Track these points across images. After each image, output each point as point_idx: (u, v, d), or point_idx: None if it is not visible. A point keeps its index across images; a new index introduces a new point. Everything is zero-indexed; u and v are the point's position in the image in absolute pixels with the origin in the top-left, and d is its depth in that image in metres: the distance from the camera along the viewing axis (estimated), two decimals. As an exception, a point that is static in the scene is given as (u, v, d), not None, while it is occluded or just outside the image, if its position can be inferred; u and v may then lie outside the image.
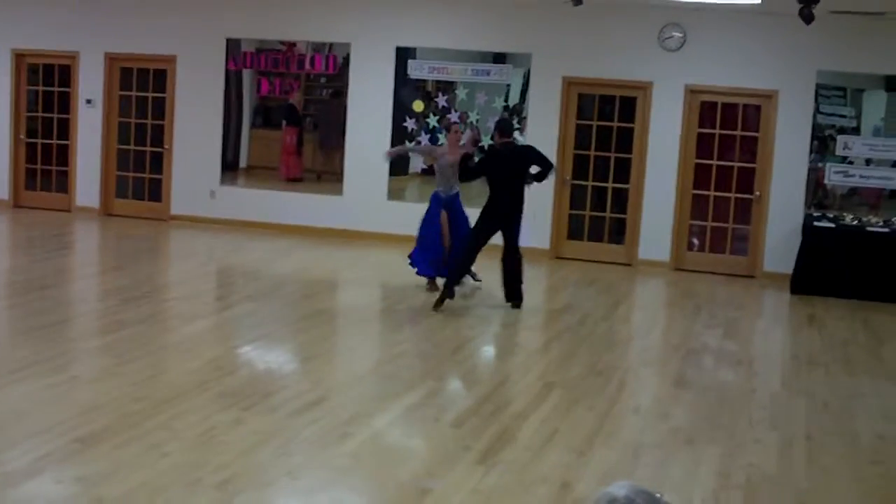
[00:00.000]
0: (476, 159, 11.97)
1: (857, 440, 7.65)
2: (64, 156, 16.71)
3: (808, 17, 11.00)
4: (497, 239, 11.34)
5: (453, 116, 14.93)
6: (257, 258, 13.91)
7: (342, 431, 7.03)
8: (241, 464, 6.31)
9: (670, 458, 6.99)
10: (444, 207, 11.89)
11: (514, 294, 11.46)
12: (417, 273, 11.95)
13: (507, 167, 11.27)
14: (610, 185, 14.68)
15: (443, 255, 11.85)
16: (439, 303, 11.06)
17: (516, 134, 14.61)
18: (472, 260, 11.50)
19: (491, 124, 14.59)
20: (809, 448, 7.36)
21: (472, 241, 11.38)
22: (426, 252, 11.94)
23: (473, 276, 12.22)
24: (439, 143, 14.74)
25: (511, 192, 11.29)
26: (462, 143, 12.37)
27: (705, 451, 7.13)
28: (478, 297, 11.89)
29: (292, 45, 15.61)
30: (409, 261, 12.02)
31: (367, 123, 15.29)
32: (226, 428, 6.95)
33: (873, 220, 13.46)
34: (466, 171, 11.55)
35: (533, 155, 11.57)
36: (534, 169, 11.46)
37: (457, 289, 11.42)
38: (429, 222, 11.96)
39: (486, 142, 14.41)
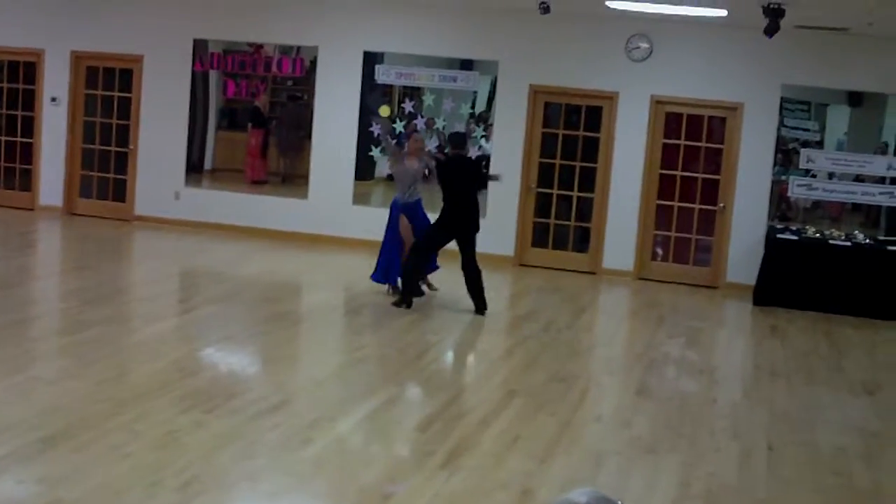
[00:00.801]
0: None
1: (818, 451, 7.71)
2: (28, 154, 16.58)
3: (771, 30, 11.09)
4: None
5: (420, 122, 14.93)
6: (221, 260, 13.85)
7: (304, 435, 7.02)
8: (202, 466, 6.29)
9: (631, 466, 7.02)
10: (403, 213, 11.93)
11: (479, 305, 11.56)
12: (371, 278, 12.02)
13: (459, 177, 11.55)
14: (575, 193, 14.72)
15: (399, 262, 11.85)
16: (408, 302, 11.20)
17: (482, 141, 14.73)
18: (423, 262, 11.56)
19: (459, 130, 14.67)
20: (770, 458, 7.41)
21: (424, 245, 11.49)
22: (380, 258, 11.98)
23: (430, 286, 12.18)
24: (404, 150, 14.71)
25: (465, 202, 11.55)
26: (434, 148, 12.43)
27: (666, 460, 7.16)
28: (442, 303, 11.86)
29: (259, 47, 15.56)
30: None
31: (334, 127, 15.26)
32: (187, 430, 6.93)
33: (835, 233, 13.56)
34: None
35: (475, 168, 12.23)
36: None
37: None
38: (388, 228, 11.99)
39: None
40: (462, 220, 11.48)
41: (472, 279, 11.52)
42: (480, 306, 11.54)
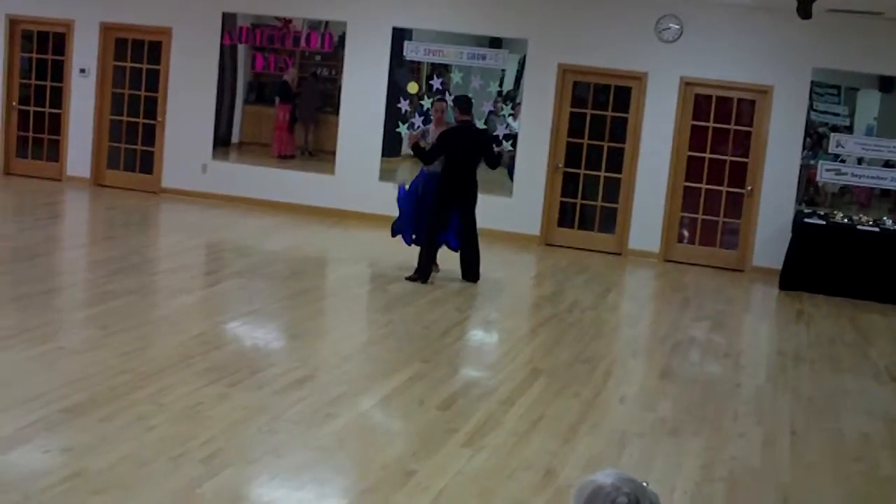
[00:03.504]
0: (428, 141, 11.97)
1: (841, 437, 7.68)
2: (56, 125, 16.65)
3: (805, 14, 11.00)
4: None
5: (448, 100, 14.87)
6: (247, 234, 13.88)
7: (328, 411, 7.03)
8: (226, 439, 6.31)
9: (654, 448, 7.01)
10: (423, 184, 11.88)
11: (472, 273, 11.71)
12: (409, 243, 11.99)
13: (465, 146, 11.54)
14: (602, 174, 14.68)
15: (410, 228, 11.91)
16: (423, 277, 11.44)
17: (510, 120, 14.71)
18: (436, 238, 11.54)
19: (486, 109, 14.64)
20: (793, 443, 7.39)
21: (433, 223, 11.48)
22: (401, 222, 12.00)
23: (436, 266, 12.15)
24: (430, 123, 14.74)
25: (467, 171, 11.59)
26: (448, 117, 12.30)
27: (689, 443, 7.15)
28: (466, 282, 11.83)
29: (288, 21, 15.55)
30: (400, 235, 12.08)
31: (361, 103, 15.27)
32: (212, 403, 6.95)
33: (863, 218, 13.49)
34: (426, 153, 11.67)
35: (487, 144, 11.99)
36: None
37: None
38: (412, 197, 11.95)
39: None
40: (460, 190, 11.52)
41: (468, 248, 11.69)
42: (471, 276, 11.69)
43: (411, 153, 12.43)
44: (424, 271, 11.47)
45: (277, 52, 15.67)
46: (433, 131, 11.94)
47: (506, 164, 14.49)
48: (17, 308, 9.06)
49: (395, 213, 12.19)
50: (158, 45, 16.07)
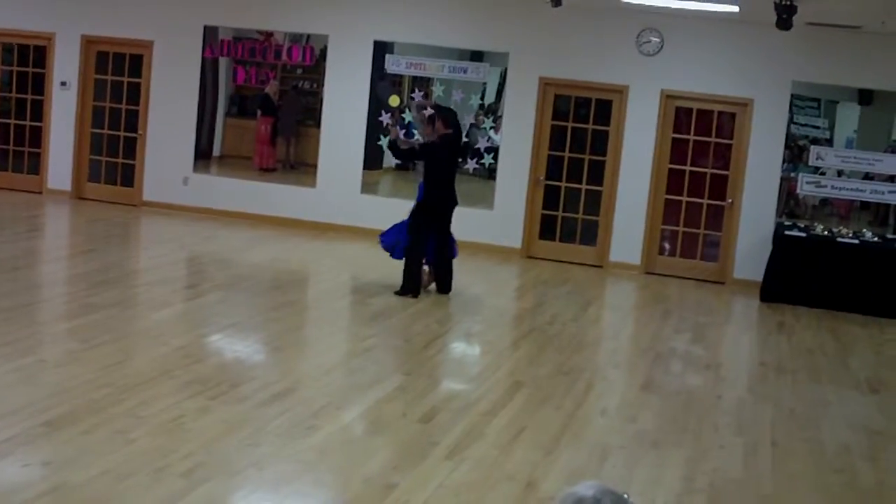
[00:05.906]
0: (403, 140, 12.08)
1: (823, 448, 7.70)
2: (37, 138, 16.60)
3: (784, 25, 11.05)
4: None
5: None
6: (228, 247, 13.86)
7: (309, 424, 7.03)
8: (207, 453, 6.30)
9: (636, 460, 7.01)
10: None
11: (445, 286, 11.70)
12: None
13: (449, 160, 11.58)
14: (583, 186, 14.70)
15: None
16: (413, 292, 11.39)
17: (492, 133, 14.73)
18: (422, 251, 11.50)
19: (467, 122, 14.66)
20: (774, 454, 7.41)
21: (417, 237, 11.46)
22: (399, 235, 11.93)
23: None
24: (415, 137, 14.76)
25: (449, 185, 11.63)
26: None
27: (671, 455, 7.16)
28: (449, 294, 11.84)
29: (270, 34, 15.55)
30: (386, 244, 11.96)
31: (343, 116, 15.27)
32: (193, 416, 6.94)
33: (843, 231, 13.54)
34: (402, 152, 11.82)
35: (462, 147, 12.59)
36: None
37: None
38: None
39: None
40: (443, 204, 11.56)
41: (442, 263, 11.66)
42: (445, 287, 11.67)
43: (394, 159, 12.52)
44: (413, 286, 11.42)
45: (259, 66, 15.67)
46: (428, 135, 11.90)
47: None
48: (-2, 321, 9.02)
49: (376, 225, 12.16)
50: (140, 59, 16.05)
